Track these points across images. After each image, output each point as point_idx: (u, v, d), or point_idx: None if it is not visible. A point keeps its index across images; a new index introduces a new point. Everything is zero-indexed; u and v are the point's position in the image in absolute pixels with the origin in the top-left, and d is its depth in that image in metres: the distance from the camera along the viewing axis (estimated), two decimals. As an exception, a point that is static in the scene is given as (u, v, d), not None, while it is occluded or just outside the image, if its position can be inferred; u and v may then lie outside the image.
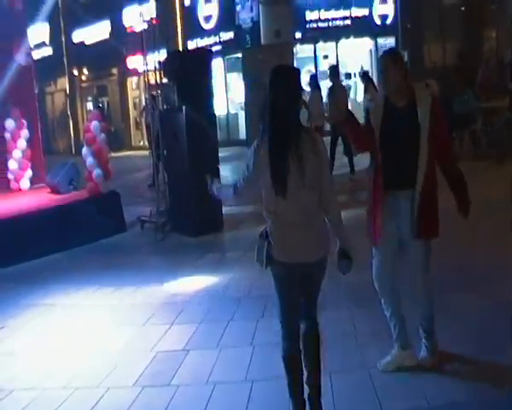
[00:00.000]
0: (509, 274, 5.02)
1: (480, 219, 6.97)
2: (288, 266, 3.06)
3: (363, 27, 19.10)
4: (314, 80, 11.99)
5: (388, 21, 19.60)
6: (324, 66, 19.49)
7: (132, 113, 24.23)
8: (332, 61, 19.21)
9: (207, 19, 20.32)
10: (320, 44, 19.23)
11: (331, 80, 11.14)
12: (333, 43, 19.25)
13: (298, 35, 18.65)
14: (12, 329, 5.19)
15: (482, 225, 6.66)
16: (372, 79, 12.68)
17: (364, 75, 12.73)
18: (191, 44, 19.36)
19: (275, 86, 3.01)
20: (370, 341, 4.20)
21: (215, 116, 8.40)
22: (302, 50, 19.21)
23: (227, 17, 19.56)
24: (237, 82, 19.99)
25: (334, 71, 11.36)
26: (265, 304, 5.06)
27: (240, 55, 19.52)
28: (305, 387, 3.23)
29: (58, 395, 3.86)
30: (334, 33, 19.00)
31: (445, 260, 5.27)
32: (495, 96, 12.28)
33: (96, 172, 8.06)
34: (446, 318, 4.13)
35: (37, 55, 21.40)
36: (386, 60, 3.67)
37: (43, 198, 8.78)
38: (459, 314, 4.42)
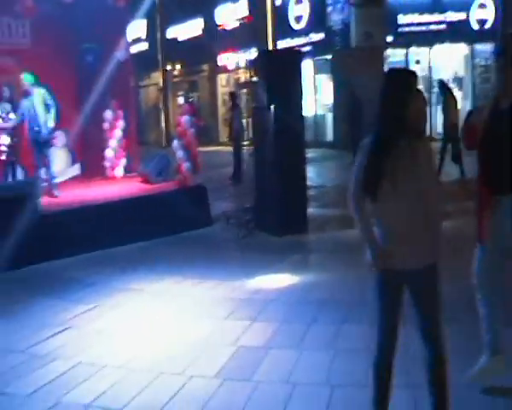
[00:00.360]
0: None
1: None
2: (387, 274, 2.94)
3: (458, 32, 18.44)
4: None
5: (487, 26, 18.78)
6: (416, 71, 19.00)
7: (221, 109, 24.70)
8: (424, 66, 18.73)
9: (298, 19, 20.37)
10: (412, 49, 18.75)
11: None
12: (426, 48, 18.71)
13: (389, 38, 18.30)
14: (104, 309, 5.44)
15: None
16: (451, 90, 11.93)
17: (443, 85, 11.80)
18: (281, 44, 19.44)
19: (386, 89, 2.95)
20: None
21: (303, 117, 8.40)
22: (394, 54, 18.83)
23: (317, 18, 19.54)
24: (326, 83, 19.91)
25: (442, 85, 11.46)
26: (349, 309, 5.03)
27: (329, 56, 19.42)
28: None
29: (144, 378, 3.99)
30: (427, 38, 18.49)
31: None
32: None
33: (186, 165, 8.28)
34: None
35: (134, 49, 22.30)
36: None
37: (134, 187, 9.16)
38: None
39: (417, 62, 18.91)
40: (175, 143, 8.54)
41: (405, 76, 3.03)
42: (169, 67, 25.58)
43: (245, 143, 12.32)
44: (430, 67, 18.68)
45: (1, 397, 3.84)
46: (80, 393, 3.84)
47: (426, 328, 2.95)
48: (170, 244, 7.66)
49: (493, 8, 18.75)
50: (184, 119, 8.50)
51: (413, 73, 3.03)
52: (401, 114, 2.87)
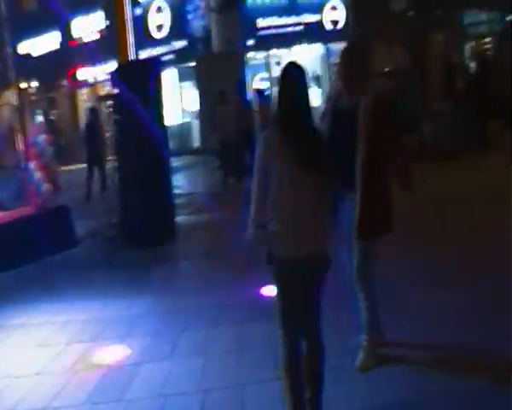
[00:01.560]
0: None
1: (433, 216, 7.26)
2: (290, 262, 2.97)
3: (314, 33, 19.34)
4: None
5: (339, 27, 19.89)
6: (277, 72, 19.70)
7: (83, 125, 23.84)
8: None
9: (159, 28, 20.24)
10: (272, 51, 19.37)
11: None
12: (285, 50, 19.41)
13: (250, 42, 18.76)
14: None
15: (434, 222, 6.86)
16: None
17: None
18: (143, 54, 19.20)
19: (288, 80, 3.04)
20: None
21: (165, 126, 8.36)
22: (254, 57, 19.34)
23: (179, 26, 19.54)
24: (191, 91, 19.95)
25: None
26: (219, 313, 5.09)
27: (193, 63, 19.50)
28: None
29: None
30: (286, 40, 19.17)
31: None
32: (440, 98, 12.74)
33: (43, 186, 7.87)
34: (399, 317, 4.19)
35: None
36: (343, 53, 3.68)
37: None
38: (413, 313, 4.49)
39: (278, 64, 19.55)
40: (31, 164, 8.10)
41: (285, 67, 3.13)
42: (24, 85, 24.22)
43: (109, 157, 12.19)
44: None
45: None
46: None
47: (306, 317, 3.06)
48: (32, 271, 7.18)
49: (344, 9, 19.88)
50: (39, 138, 8.08)
51: (293, 64, 3.13)
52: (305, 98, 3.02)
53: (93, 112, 13.07)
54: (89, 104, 22.59)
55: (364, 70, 3.60)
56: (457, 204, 7.54)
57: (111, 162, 8.39)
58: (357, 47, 3.84)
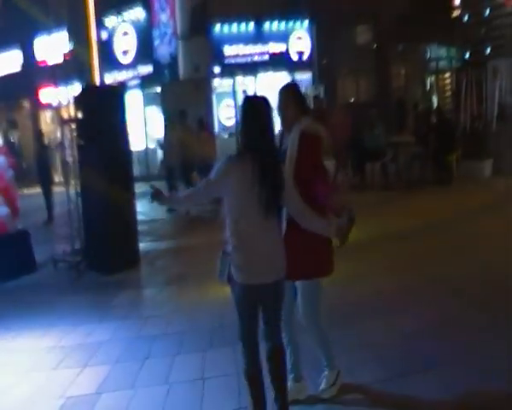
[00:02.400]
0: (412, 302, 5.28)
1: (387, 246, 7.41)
2: (251, 288, 3.18)
3: (280, 62, 19.62)
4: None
5: (304, 57, 20.24)
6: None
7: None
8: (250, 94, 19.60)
9: (125, 53, 20.21)
10: (238, 78, 19.55)
11: None
12: (251, 78, 19.61)
13: (217, 70, 18.90)
14: None
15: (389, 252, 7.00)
16: None
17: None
18: (109, 78, 19.14)
19: (252, 114, 3.17)
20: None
21: (130, 151, 8.31)
22: (221, 85, 19.47)
23: (145, 51, 19.54)
24: (156, 116, 19.89)
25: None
26: (182, 340, 5.05)
27: (159, 89, 19.49)
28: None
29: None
30: (252, 68, 19.38)
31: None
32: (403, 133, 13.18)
33: (2, 210, 7.69)
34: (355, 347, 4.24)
35: None
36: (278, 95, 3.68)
37: None
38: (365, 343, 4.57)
39: (244, 92, 19.73)
40: (-10, 187, 7.90)
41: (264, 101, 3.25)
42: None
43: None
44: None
45: None
46: None
47: (270, 328, 3.34)
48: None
49: (308, 40, 20.25)
50: (1, 160, 7.90)
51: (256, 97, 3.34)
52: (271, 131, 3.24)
53: (40, 137, 13.06)
54: (52, 128, 22.53)
55: (299, 108, 3.60)
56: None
57: (73, 187, 8.23)
58: (290, 87, 3.76)
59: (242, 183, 3.07)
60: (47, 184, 12.17)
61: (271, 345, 3.34)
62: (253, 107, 3.20)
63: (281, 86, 3.73)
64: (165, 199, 3.56)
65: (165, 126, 13.65)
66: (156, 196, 3.46)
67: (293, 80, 20.13)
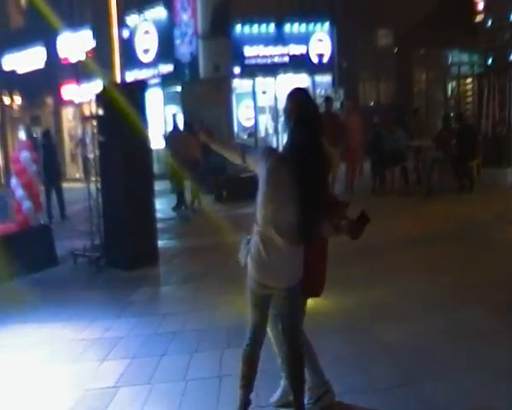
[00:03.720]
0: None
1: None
2: (259, 284, 3.24)
3: (300, 64, 19.60)
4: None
5: (325, 60, 20.20)
6: (263, 101, 19.89)
7: (68, 144, 23.72)
8: (271, 96, 19.62)
9: (146, 51, 20.34)
10: (258, 79, 19.57)
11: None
12: (271, 79, 19.63)
13: (237, 70, 18.95)
14: None
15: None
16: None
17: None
18: (129, 76, 19.30)
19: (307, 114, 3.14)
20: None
21: (150, 149, 8.37)
22: (241, 85, 19.51)
23: (165, 50, 19.65)
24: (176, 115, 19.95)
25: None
26: (199, 338, 5.08)
27: (179, 88, 19.59)
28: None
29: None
30: (272, 69, 19.39)
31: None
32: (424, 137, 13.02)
33: (26, 204, 7.81)
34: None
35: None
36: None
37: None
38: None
39: (264, 92, 19.77)
40: (13, 181, 8.02)
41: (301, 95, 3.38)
42: (7, 101, 24.08)
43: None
44: (276, 97, 19.60)
45: None
46: None
47: (283, 330, 3.35)
48: (12, 289, 7.11)
49: (329, 43, 20.21)
50: (22, 155, 8.02)
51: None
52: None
53: (47, 135, 13.18)
54: (74, 124, 22.76)
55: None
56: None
57: (94, 183, 8.32)
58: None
59: (279, 185, 3.03)
60: (55, 181, 12.29)
61: (285, 348, 3.38)
62: (309, 111, 3.16)
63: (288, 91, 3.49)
64: (211, 141, 3.47)
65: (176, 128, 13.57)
66: (206, 134, 3.48)
67: (313, 82, 20.15)
